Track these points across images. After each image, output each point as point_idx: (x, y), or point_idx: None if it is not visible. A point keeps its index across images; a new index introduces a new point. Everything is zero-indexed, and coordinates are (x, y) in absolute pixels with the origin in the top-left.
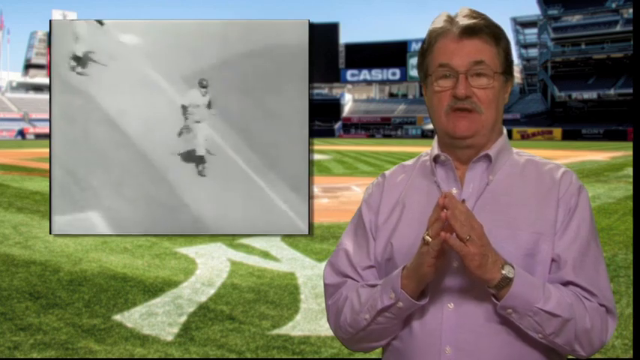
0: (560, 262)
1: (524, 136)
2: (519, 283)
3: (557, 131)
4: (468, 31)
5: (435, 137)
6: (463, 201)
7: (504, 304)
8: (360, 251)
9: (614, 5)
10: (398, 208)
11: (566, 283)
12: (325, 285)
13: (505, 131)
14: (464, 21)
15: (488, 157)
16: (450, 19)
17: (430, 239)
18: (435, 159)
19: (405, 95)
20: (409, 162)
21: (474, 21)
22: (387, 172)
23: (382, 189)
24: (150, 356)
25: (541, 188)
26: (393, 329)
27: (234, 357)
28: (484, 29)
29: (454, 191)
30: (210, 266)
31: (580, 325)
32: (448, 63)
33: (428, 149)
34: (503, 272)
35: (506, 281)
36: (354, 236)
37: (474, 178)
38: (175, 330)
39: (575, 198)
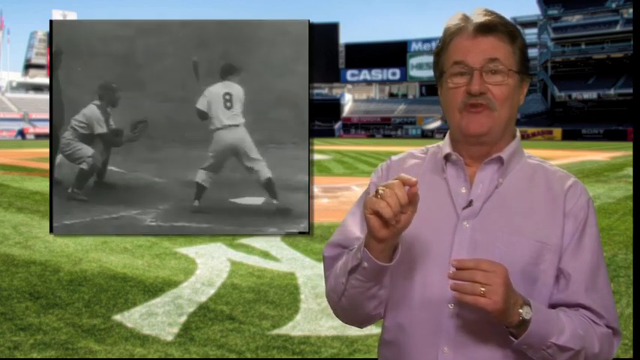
0: (571, 281)
1: (524, 136)
2: (536, 320)
3: (557, 131)
4: (483, 29)
5: (447, 133)
6: (471, 201)
7: (521, 342)
8: (363, 224)
9: (614, 5)
10: None
11: (575, 305)
12: (324, 258)
13: (519, 134)
14: (479, 19)
15: (500, 160)
16: (465, 18)
17: (382, 192)
18: (447, 157)
19: (405, 95)
20: (417, 151)
21: (488, 18)
22: (393, 157)
23: (390, 171)
24: (150, 356)
25: (549, 196)
26: (369, 295)
27: (234, 357)
28: (499, 27)
29: (463, 190)
30: (210, 266)
31: (590, 352)
32: (463, 60)
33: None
34: (521, 312)
35: (524, 322)
36: (358, 210)
37: (483, 179)
38: (175, 330)
39: (585, 212)
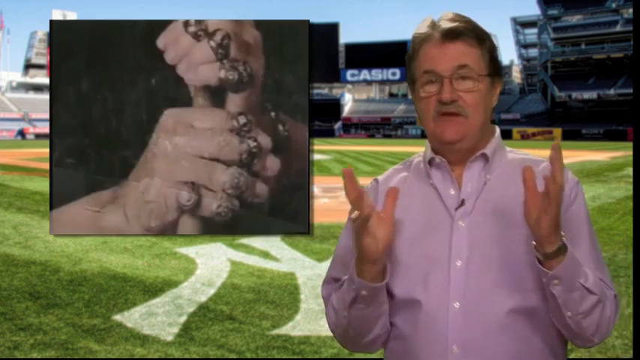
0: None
1: (524, 136)
2: (571, 254)
3: (557, 131)
4: (450, 35)
5: (427, 140)
6: (462, 201)
7: (555, 274)
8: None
9: (614, 5)
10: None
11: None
12: (323, 298)
13: (498, 130)
14: (445, 25)
15: (484, 157)
16: (433, 24)
17: (355, 215)
18: (430, 162)
19: (405, 95)
20: (400, 165)
21: (455, 24)
22: (379, 178)
23: (377, 192)
24: (150, 356)
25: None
26: (374, 316)
27: (234, 357)
28: (465, 32)
29: (452, 192)
30: (210, 266)
31: (605, 311)
32: (432, 69)
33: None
34: (563, 238)
35: (564, 249)
36: (346, 243)
37: (471, 177)
38: (175, 330)
39: (575, 195)
